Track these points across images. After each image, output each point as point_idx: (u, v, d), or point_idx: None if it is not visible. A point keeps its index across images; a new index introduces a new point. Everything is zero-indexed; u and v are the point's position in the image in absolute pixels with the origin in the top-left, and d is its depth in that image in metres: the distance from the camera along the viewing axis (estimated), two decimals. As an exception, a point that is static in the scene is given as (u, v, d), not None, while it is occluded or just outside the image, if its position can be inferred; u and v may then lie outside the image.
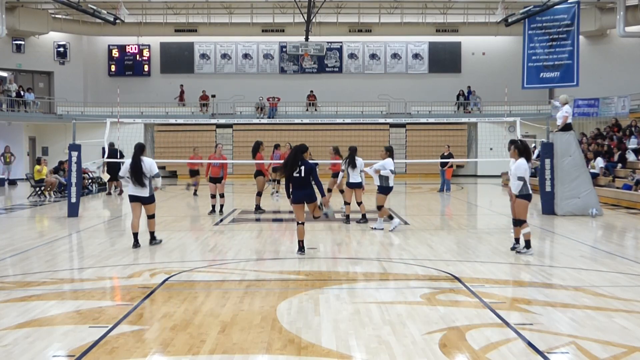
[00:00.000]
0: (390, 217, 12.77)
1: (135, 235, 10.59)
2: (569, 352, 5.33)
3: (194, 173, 21.11)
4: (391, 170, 12.28)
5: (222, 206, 15.82)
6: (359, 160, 13.30)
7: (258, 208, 16.02)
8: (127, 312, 6.55)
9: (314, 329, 5.95)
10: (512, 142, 10.33)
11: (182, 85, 35.12)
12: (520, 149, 9.81)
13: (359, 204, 13.70)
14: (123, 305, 6.87)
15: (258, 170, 16.27)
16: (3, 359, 5.21)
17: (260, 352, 5.33)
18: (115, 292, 7.72)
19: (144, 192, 10.33)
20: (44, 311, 6.59)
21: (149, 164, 10.36)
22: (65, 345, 5.53)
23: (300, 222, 9.86)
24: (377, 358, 5.18)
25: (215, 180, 15.75)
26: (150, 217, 10.69)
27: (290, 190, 9.76)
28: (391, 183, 12.45)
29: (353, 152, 13.46)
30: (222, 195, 15.80)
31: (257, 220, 14.87)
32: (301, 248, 9.88)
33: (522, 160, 9.68)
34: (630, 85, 28.55)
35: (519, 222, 9.82)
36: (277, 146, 20.10)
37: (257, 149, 16.30)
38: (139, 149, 10.46)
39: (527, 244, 9.80)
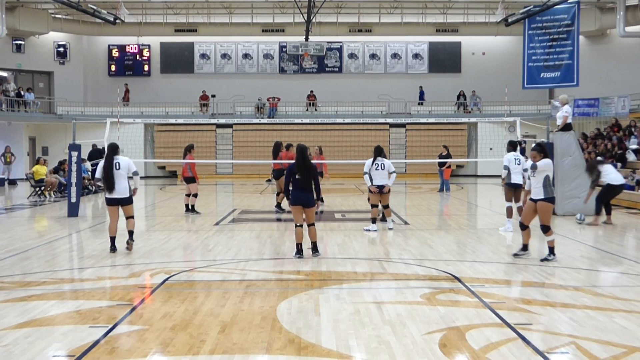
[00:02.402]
0: (373, 221, 12.64)
1: (113, 239, 10.19)
2: (569, 352, 5.33)
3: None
4: (364, 172, 12.44)
5: (193, 206, 15.86)
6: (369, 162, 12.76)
7: (279, 206, 16.06)
8: (127, 312, 6.55)
9: (314, 329, 5.95)
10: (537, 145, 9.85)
11: (126, 84, 34.98)
12: (540, 150, 9.38)
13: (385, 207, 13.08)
14: (123, 305, 6.87)
15: (276, 169, 16.14)
16: (3, 359, 5.21)
17: (260, 352, 5.33)
18: (115, 292, 7.72)
19: (122, 194, 9.92)
20: (44, 311, 6.59)
21: (126, 163, 9.98)
22: (65, 345, 5.53)
23: (298, 224, 9.64)
24: (377, 358, 5.18)
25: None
26: (129, 217, 10.12)
27: (290, 191, 9.64)
28: (374, 182, 12.36)
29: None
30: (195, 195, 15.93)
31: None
32: (299, 251, 9.64)
33: (547, 160, 9.26)
34: (630, 85, 28.55)
35: (545, 229, 9.21)
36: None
37: (279, 149, 16.20)
38: (112, 149, 10.03)
39: (551, 251, 9.32)
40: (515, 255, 9.62)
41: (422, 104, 34.72)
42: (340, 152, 29.56)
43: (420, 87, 34.96)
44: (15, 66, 33.32)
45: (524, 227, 9.48)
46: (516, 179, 12.45)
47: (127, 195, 10.00)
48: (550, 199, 9.23)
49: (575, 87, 23.20)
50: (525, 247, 9.58)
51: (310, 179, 9.53)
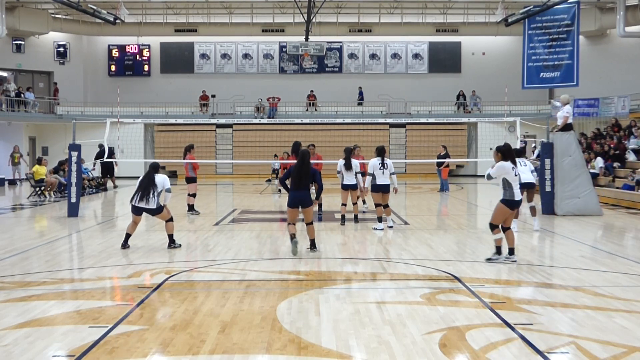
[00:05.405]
0: (379, 220, 12.82)
1: (128, 236, 10.60)
2: (569, 352, 5.33)
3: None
4: (369, 172, 12.72)
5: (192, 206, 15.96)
6: (355, 162, 13.59)
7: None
8: (127, 312, 6.55)
9: (314, 329, 5.95)
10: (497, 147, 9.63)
11: (56, 83, 34.66)
12: (501, 151, 9.34)
13: (354, 204, 14.03)
14: (123, 305, 6.87)
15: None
16: (3, 359, 5.21)
17: (260, 352, 5.33)
18: (115, 292, 7.72)
19: (150, 205, 10.30)
20: (44, 311, 6.59)
21: (162, 180, 10.46)
22: (65, 345, 5.53)
23: (291, 222, 10.01)
24: (377, 358, 5.18)
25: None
26: (168, 220, 10.63)
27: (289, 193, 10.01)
28: (378, 181, 12.61)
29: (349, 153, 13.63)
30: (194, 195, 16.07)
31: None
32: (293, 237, 9.86)
33: (500, 163, 9.24)
34: (630, 85, 28.55)
35: (491, 227, 9.21)
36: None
37: (298, 150, 15.77)
38: (153, 168, 10.58)
39: (498, 250, 9.23)
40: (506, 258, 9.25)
41: (361, 104, 34.78)
42: (340, 153, 29.50)
43: (360, 87, 35.06)
44: (15, 66, 33.31)
45: (504, 229, 9.22)
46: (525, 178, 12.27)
47: (155, 206, 10.36)
48: (507, 202, 9.11)
49: (575, 87, 23.19)
50: (511, 251, 9.24)
51: (308, 181, 9.90)
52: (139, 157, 30.95)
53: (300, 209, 9.94)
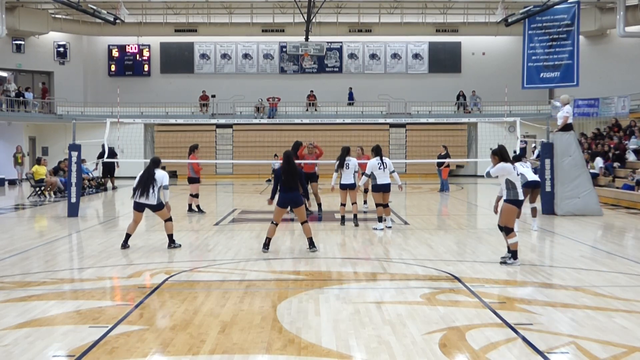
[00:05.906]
0: (380, 220, 12.79)
1: (128, 236, 10.61)
2: (569, 352, 5.33)
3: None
4: (366, 173, 12.75)
5: (198, 206, 16.09)
6: (353, 161, 13.63)
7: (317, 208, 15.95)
8: (127, 312, 6.55)
9: (314, 329, 5.95)
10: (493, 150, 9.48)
11: (44, 83, 34.44)
12: (497, 153, 9.22)
13: (353, 204, 13.87)
14: (123, 305, 6.87)
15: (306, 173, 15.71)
16: (3, 359, 5.21)
17: (260, 352, 5.33)
18: (115, 292, 7.72)
19: (151, 201, 10.29)
20: (44, 311, 6.59)
21: (162, 176, 10.44)
22: (65, 345, 5.53)
23: (275, 222, 10.18)
24: (377, 358, 5.18)
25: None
26: (167, 220, 10.59)
27: (278, 192, 10.18)
28: (378, 181, 12.60)
29: (345, 152, 13.59)
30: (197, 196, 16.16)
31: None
32: (266, 245, 10.16)
33: (501, 164, 9.11)
34: (630, 85, 28.55)
35: (507, 230, 8.96)
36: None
37: (297, 149, 15.37)
38: (154, 163, 10.59)
39: (513, 254, 9.02)
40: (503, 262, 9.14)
41: (351, 104, 34.77)
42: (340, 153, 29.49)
43: (350, 88, 35.11)
44: (15, 66, 33.31)
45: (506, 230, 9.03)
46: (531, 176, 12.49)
47: (155, 202, 10.35)
48: (512, 201, 8.99)
49: (575, 87, 23.19)
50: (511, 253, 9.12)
51: (295, 181, 10.11)
52: (139, 157, 30.93)
53: (290, 209, 10.13)
